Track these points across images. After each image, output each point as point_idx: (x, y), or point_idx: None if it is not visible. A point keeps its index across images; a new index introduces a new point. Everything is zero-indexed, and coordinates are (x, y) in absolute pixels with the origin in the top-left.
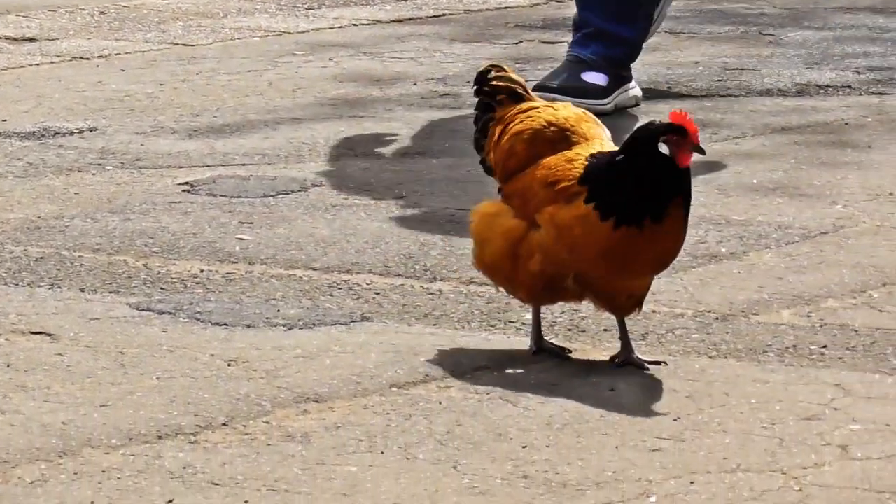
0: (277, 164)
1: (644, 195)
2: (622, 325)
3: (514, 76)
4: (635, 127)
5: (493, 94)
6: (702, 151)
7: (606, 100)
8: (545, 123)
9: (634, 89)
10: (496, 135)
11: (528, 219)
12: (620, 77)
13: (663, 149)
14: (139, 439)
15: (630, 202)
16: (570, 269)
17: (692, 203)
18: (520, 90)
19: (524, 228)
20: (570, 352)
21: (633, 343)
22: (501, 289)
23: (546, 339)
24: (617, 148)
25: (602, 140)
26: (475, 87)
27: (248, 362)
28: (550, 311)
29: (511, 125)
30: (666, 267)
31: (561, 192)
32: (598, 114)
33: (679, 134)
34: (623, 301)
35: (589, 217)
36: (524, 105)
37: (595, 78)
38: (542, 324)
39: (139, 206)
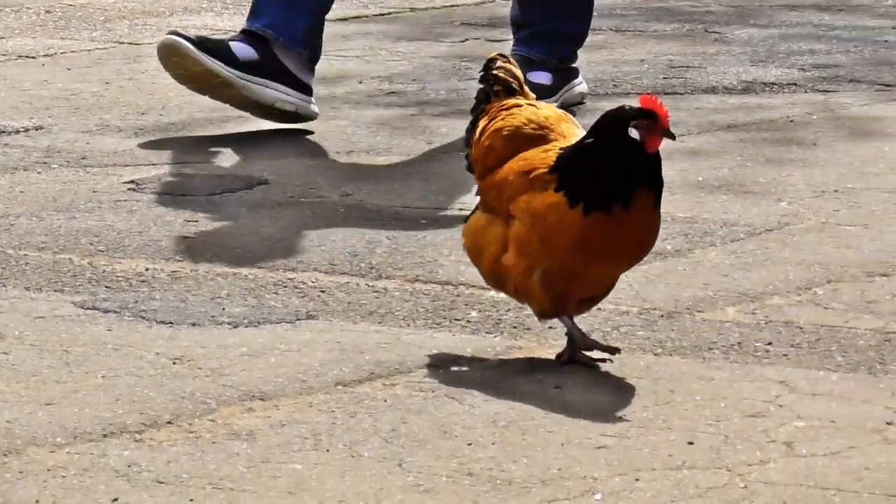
0: (223, 162)
1: (612, 180)
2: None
3: (515, 70)
4: (604, 112)
5: (493, 83)
6: (672, 136)
7: (550, 99)
8: (525, 121)
9: (581, 85)
10: (479, 129)
11: (504, 212)
12: (566, 74)
13: (633, 133)
14: (84, 438)
15: (598, 187)
16: (540, 263)
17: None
18: (515, 85)
19: (504, 227)
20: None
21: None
22: (524, 303)
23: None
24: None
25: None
26: (481, 74)
27: (194, 360)
28: (496, 309)
29: (492, 122)
30: (641, 258)
31: (535, 181)
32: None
33: (649, 119)
34: (592, 296)
35: (560, 205)
36: (508, 102)
37: (540, 77)
38: (487, 321)
39: (84, 204)
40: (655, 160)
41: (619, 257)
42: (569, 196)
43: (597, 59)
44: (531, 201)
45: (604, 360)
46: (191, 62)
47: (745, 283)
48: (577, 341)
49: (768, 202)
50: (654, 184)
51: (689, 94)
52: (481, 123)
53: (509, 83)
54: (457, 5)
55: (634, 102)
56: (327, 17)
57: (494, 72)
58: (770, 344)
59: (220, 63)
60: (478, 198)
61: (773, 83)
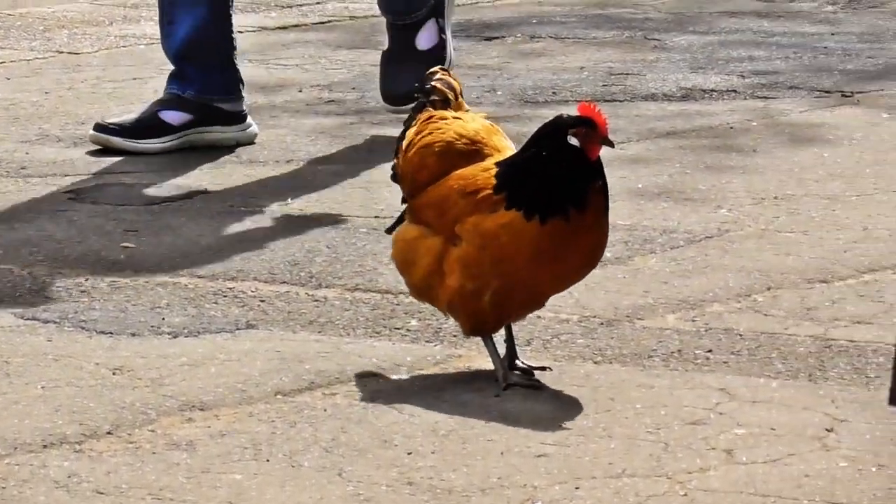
0: (162, 171)
1: (561, 186)
2: (509, 330)
3: (455, 81)
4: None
5: (430, 94)
6: (611, 144)
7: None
8: (456, 136)
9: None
10: (407, 140)
11: (446, 232)
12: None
13: (573, 141)
14: (24, 448)
15: (550, 195)
16: (491, 285)
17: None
18: (451, 96)
19: (442, 243)
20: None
21: (518, 349)
22: (449, 316)
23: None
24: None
25: (512, 152)
26: (417, 86)
27: (133, 371)
28: (436, 318)
29: (420, 136)
30: (595, 265)
31: (482, 202)
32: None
33: (588, 126)
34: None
35: (514, 223)
36: (434, 114)
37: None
38: (427, 330)
39: (24, 214)
40: (598, 166)
41: (579, 263)
42: (522, 210)
43: (536, 66)
44: (481, 223)
45: (543, 369)
46: (125, 150)
47: (685, 291)
48: (500, 378)
49: (708, 209)
50: (602, 188)
51: (629, 102)
52: (409, 135)
53: (445, 94)
54: None
55: (573, 110)
56: (266, 24)
57: (434, 83)
58: (710, 351)
59: (153, 142)
60: (404, 204)
61: (712, 90)
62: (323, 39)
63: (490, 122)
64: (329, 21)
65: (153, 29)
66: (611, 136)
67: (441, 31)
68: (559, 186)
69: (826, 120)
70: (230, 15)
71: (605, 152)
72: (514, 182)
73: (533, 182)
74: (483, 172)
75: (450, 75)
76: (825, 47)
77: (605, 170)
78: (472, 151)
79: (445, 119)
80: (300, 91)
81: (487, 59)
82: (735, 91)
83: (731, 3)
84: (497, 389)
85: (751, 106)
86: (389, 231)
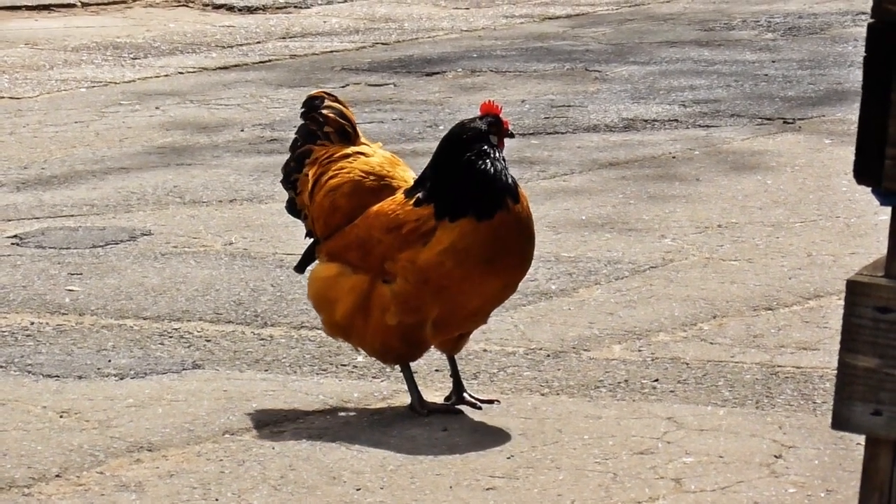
0: (106, 214)
1: (488, 182)
2: (454, 365)
3: (348, 112)
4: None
5: (322, 124)
6: (511, 135)
7: None
8: (363, 174)
9: None
10: (311, 182)
11: (373, 270)
12: None
13: (482, 126)
14: None
15: (489, 191)
16: (431, 314)
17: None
18: (348, 128)
19: (369, 281)
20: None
21: (464, 382)
22: (363, 351)
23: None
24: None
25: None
26: (302, 111)
27: (81, 413)
28: None
29: (325, 177)
30: (530, 261)
31: (409, 235)
32: None
33: (492, 121)
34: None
35: (458, 244)
36: (335, 153)
37: None
38: (373, 366)
39: None
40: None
41: (516, 261)
42: (476, 214)
43: (478, 100)
44: (416, 258)
45: (490, 402)
46: None
47: (631, 321)
48: (416, 404)
49: (652, 239)
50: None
51: (571, 133)
52: (310, 173)
53: (343, 126)
54: (336, 51)
55: (513, 143)
56: (207, 65)
57: (324, 111)
58: (657, 380)
59: None
60: (308, 238)
61: (654, 120)
62: (263, 78)
63: (389, 152)
64: (269, 60)
65: (94, 72)
66: (552, 168)
67: None
68: (492, 181)
69: (768, 147)
70: None
71: (548, 184)
72: (445, 196)
73: (466, 187)
74: (400, 206)
75: (340, 102)
76: (766, 75)
77: (549, 202)
78: (381, 187)
79: (348, 157)
80: (242, 130)
81: (429, 94)
82: (677, 120)
83: (670, 33)
84: (445, 423)
85: (693, 135)
86: (299, 269)
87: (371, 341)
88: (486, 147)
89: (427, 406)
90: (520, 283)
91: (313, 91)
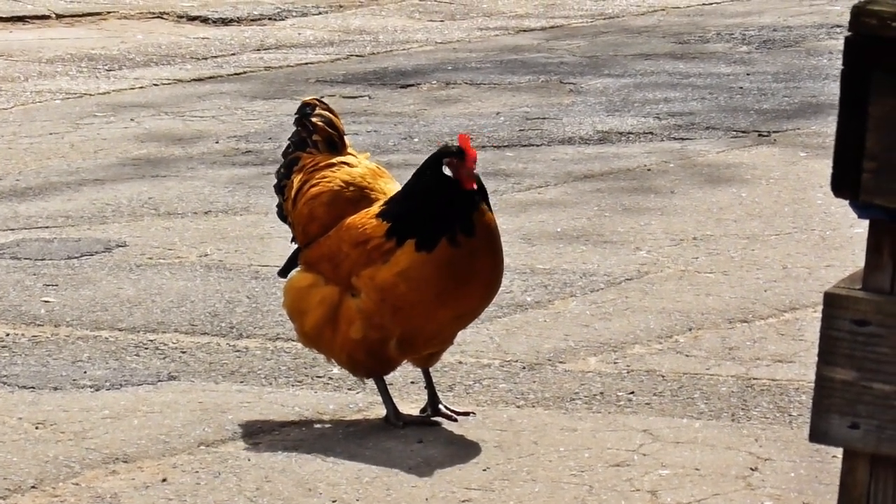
0: (81, 225)
1: (442, 213)
2: (428, 377)
3: (336, 121)
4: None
5: (311, 132)
6: (473, 178)
7: None
8: (343, 184)
9: None
10: (294, 187)
11: (342, 283)
12: None
13: (447, 171)
14: None
15: (433, 222)
16: (395, 332)
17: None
18: (336, 138)
19: (338, 294)
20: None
21: (440, 394)
22: (334, 361)
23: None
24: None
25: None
26: (296, 116)
27: (56, 424)
28: None
29: (307, 185)
30: (494, 294)
31: (374, 251)
32: None
33: (458, 158)
34: (443, 347)
35: (412, 265)
36: (321, 162)
37: None
38: (348, 378)
39: None
40: (476, 194)
41: (478, 292)
42: (414, 241)
43: (452, 112)
44: (376, 276)
45: (466, 414)
46: None
47: (606, 333)
48: (391, 417)
49: (627, 251)
50: (487, 210)
51: (546, 146)
52: (296, 181)
53: (331, 136)
54: (311, 63)
55: (488, 154)
56: (182, 77)
57: (314, 119)
58: (632, 393)
59: None
60: (293, 243)
61: (629, 132)
62: (238, 90)
63: (375, 163)
64: (244, 72)
65: (69, 84)
66: (527, 181)
67: None
68: (440, 213)
69: (743, 160)
70: None
71: (522, 196)
72: (399, 216)
73: (415, 213)
74: (371, 220)
75: (329, 111)
76: (741, 87)
77: (524, 215)
78: (360, 198)
79: (332, 166)
80: (217, 142)
81: (403, 106)
82: (652, 133)
83: (645, 46)
84: (420, 435)
85: (668, 147)
86: (282, 273)
87: (339, 354)
88: (440, 179)
89: (402, 418)
90: (482, 312)
91: (307, 97)
